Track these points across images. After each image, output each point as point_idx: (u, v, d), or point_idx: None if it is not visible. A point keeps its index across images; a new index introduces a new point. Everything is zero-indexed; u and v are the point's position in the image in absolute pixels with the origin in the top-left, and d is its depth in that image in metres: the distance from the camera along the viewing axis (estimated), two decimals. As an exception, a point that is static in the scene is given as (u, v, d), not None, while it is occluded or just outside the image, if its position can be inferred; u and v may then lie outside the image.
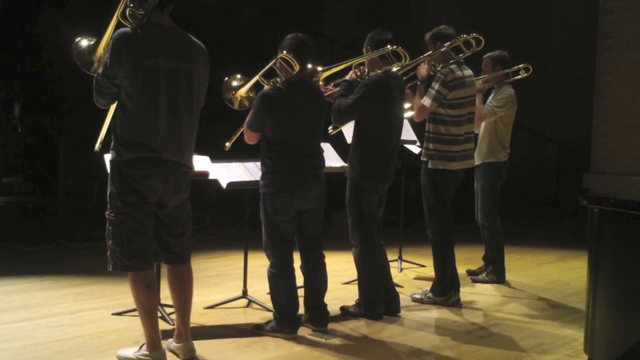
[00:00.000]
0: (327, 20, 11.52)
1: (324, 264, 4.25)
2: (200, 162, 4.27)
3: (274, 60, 4.00)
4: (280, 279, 4.04)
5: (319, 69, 4.34)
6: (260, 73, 4.05)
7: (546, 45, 11.51)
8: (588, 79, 9.60)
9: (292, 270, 4.09)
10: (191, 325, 3.71)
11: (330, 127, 4.67)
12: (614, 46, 8.86)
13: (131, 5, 3.35)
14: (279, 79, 4.04)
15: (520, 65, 5.65)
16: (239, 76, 4.07)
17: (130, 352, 3.52)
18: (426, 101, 4.79)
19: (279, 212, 3.99)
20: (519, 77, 5.70)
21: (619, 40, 8.80)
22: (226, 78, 4.05)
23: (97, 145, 3.83)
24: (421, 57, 4.88)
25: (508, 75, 5.71)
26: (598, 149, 9.07)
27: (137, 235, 3.37)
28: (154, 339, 3.45)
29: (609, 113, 8.95)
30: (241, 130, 4.22)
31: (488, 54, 5.70)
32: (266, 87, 4.02)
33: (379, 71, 4.46)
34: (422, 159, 4.98)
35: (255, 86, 4.09)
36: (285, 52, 3.96)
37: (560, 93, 11.47)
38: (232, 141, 4.35)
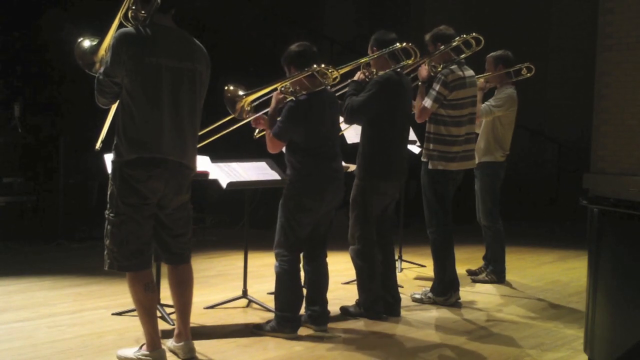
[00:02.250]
0: (327, 20, 11.52)
1: (326, 263, 4.26)
2: (200, 162, 4.26)
3: (306, 73, 3.98)
4: (288, 277, 4.05)
5: None
6: (282, 83, 4.02)
7: (546, 45, 11.51)
8: (588, 79, 9.59)
9: (299, 269, 4.11)
10: (191, 325, 3.71)
11: None
12: (614, 46, 8.86)
13: (134, 7, 3.35)
14: (298, 89, 4.02)
15: (522, 65, 5.64)
16: (242, 87, 4.03)
17: (130, 352, 3.52)
18: (427, 102, 4.79)
19: (307, 213, 4.03)
20: (521, 77, 5.69)
21: (619, 40, 8.80)
22: (232, 87, 3.99)
23: (98, 144, 3.83)
24: (422, 58, 4.87)
25: (510, 75, 5.68)
26: (598, 149, 9.07)
27: (136, 236, 3.37)
28: (153, 338, 3.45)
29: (609, 113, 8.95)
30: (209, 129, 4.20)
31: (491, 54, 5.69)
32: (280, 95, 4.03)
33: (388, 70, 4.46)
34: (422, 159, 4.98)
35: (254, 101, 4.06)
36: (323, 65, 3.97)
37: (560, 93, 11.48)
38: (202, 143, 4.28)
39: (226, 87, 3.99)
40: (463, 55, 4.87)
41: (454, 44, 4.83)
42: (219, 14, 9.23)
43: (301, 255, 4.20)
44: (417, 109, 4.90)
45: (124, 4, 3.33)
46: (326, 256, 4.26)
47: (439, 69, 4.83)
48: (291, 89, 4.04)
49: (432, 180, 4.89)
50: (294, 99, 4.01)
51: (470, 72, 4.94)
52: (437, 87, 4.76)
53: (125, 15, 3.37)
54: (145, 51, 3.28)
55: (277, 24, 9.83)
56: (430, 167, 4.88)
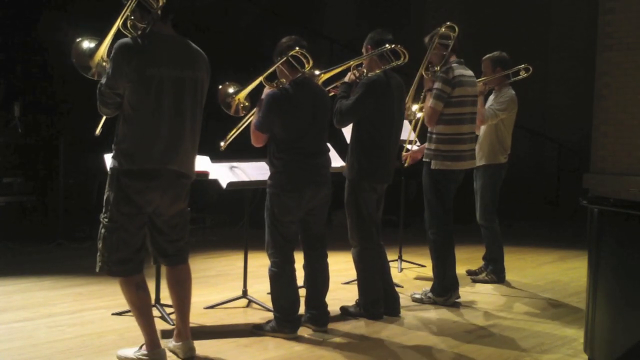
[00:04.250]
0: (327, 20, 11.52)
1: (326, 263, 4.25)
2: (200, 162, 4.27)
3: (282, 60, 3.99)
4: (281, 279, 4.04)
5: (317, 72, 4.34)
6: (265, 74, 4.02)
7: (546, 45, 11.51)
8: (588, 79, 9.60)
9: (294, 269, 4.09)
10: (191, 325, 3.72)
11: None
12: (614, 46, 8.86)
13: (132, 17, 3.34)
14: (284, 80, 4.03)
15: (520, 66, 5.65)
16: (235, 84, 4.04)
17: (131, 352, 3.52)
18: (431, 102, 4.78)
19: (287, 212, 4.00)
20: (519, 77, 5.70)
21: (619, 40, 8.81)
22: (221, 86, 3.99)
23: (98, 130, 3.79)
24: (419, 69, 4.88)
25: (508, 76, 5.70)
26: (598, 149, 9.07)
27: (127, 245, 3.38)
28: (152, 338, 3.46)
29: (609, 113, 8.96)
30: (235, 131, 4.23)
31: (487, 56, 5.70)
32: (269, 89, 4.02)
33: (378, 71, 4.46)
34: (424, 159, 4.97)
35: (250, 93, 4.07)
36: (297, 48, 3.95)
37: (560, 93, 11.47)
38: (227, 142, 4.34)
39: (220, 87, 3.99)
40: (449, 48, 4.81)
41: (436, 42, 4.81)
42: (219, 14, 9.22)
43: (302, 254, 4.20)
44: (425, 115, 4.87)
45: (122, 13, 3.31)
46: (326, 256, 4.26)
47: (437, 69, 4.83)
48: (276, 80, 4.04)
49: (434, 181, 4.88)
50: (275, 89, 3.99)
51: (469, 72, 4.94)
52: (438, 85, 4.76)
53: (124, 24, 3.35)
54: (146, 62, 3.26)
55: (277, 24, 9.82)
56: (432, 167, 4.87)
